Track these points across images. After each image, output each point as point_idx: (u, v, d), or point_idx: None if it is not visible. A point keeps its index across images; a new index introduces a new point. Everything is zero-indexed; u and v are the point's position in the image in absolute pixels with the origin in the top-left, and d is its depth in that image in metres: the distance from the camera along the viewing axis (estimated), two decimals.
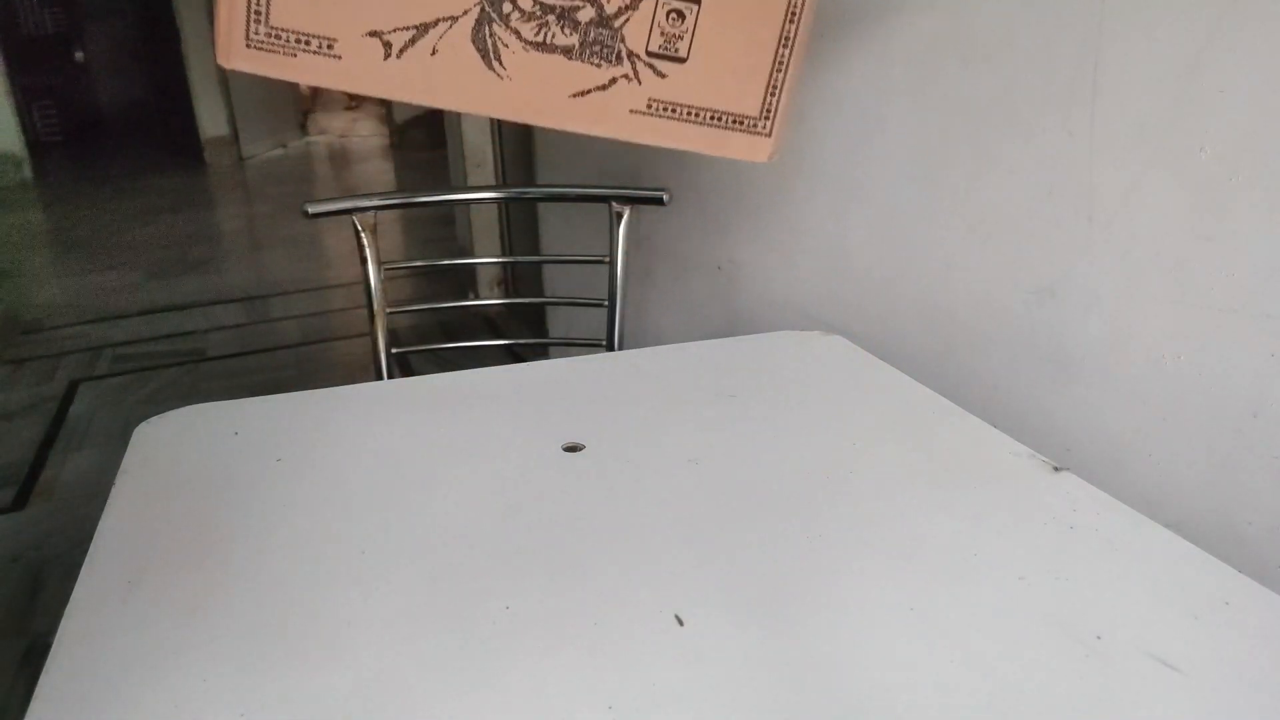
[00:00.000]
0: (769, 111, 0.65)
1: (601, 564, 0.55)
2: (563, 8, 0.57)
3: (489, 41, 0.56)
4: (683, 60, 0.61)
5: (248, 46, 0.53)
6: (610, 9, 0.58)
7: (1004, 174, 0.81)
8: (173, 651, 0.48)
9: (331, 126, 6.56)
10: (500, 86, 0.58)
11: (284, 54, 0.54)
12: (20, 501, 1.88)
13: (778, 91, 0.64)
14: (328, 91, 7.92)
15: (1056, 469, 0.65)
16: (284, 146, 5.92)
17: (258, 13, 0.53)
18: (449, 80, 0.57)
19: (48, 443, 2.12)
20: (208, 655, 0.48)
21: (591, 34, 0.58)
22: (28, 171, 5.26)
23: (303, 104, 6.72)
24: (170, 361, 2.59)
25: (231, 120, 5.85)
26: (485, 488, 0.63)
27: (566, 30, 0.57)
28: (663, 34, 0.59)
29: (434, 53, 0.56)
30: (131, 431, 0.72)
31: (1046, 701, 0.44)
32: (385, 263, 1.08)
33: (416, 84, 0.56)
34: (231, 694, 0.45)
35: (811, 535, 0.58)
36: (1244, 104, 0.61)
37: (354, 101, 7.84)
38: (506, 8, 0.56)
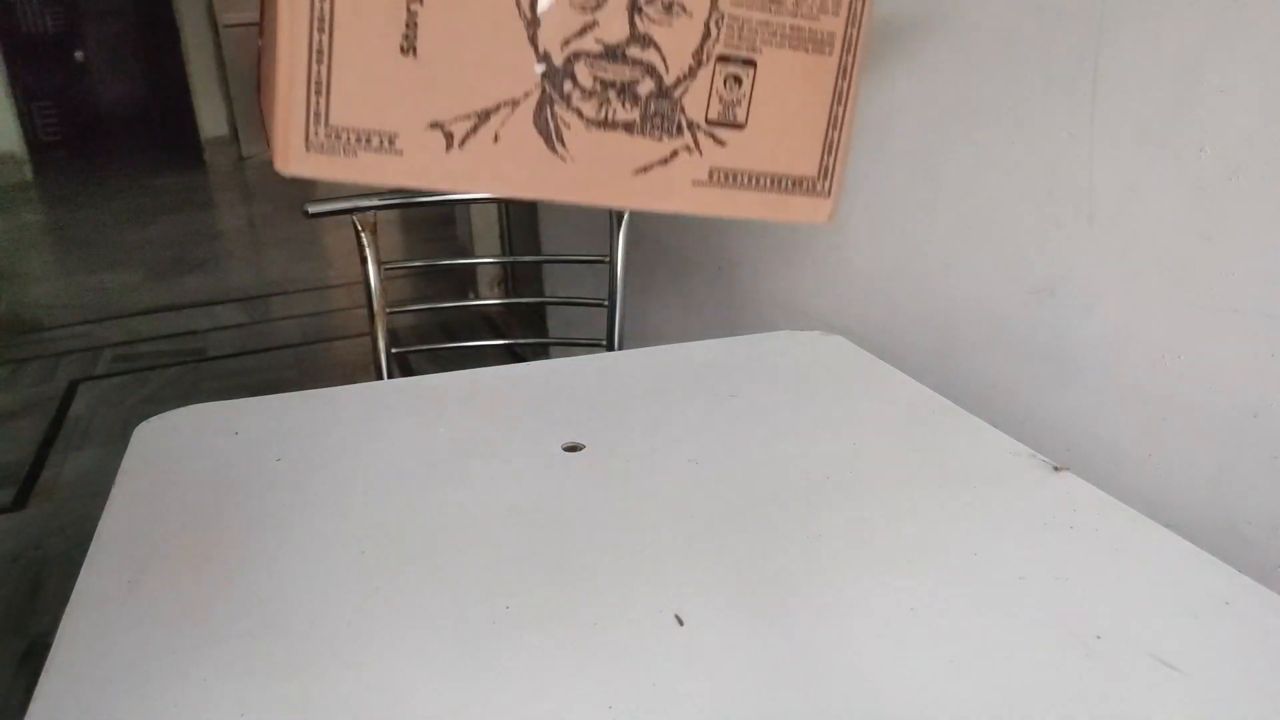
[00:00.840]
0: (827, 170, 0.63)
1: (601, 564, 0.55)
2: (623, 83, 0.55)
3: (551, 123, 0.55)
4: (741, 126, 0.59)
5: (307, 150, 0.51)
6: (669, 79, 0.56)
7: (1003, 174, 0.81)
8: (173, 651, 0.48)
9: None
10: (564, 169, 0.56)
11: (345, 154, 0.51)
12: (20, 501, 1.88)
13: (834, 150, 0.62)
14: None
15: (1056, 469, 0.65)
16: None
17: (317, 114, 0.50)
18: (512, 167, 0.55)
19: (48, 442, 2.12)
20: (208, 655, 0.48)
21: (652, 106, 0.57)
22: (28, 171, 5.27)
23: None
24: (170, 361, 2.60)
25: (231, 120, 5.85)
26: (485, 488, 0.63)
27: (627, 105, 0.56)
28: (721, 101, 0.58)
29: (496, 140, 0.54)
30: (131, 431, 0.72)
31: (1046, 701, 0.44)
32: (385, 263, 1.08)
33: (480, 173, 0.54)
34: (231, 694, 0.45)
35: (811, 535, 0.58)
36: (1244, 104, 0.61)
37: None
38: (567, 86, 0.54)
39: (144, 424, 0.73)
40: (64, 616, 0.51)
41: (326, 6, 0.48)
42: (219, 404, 0.76)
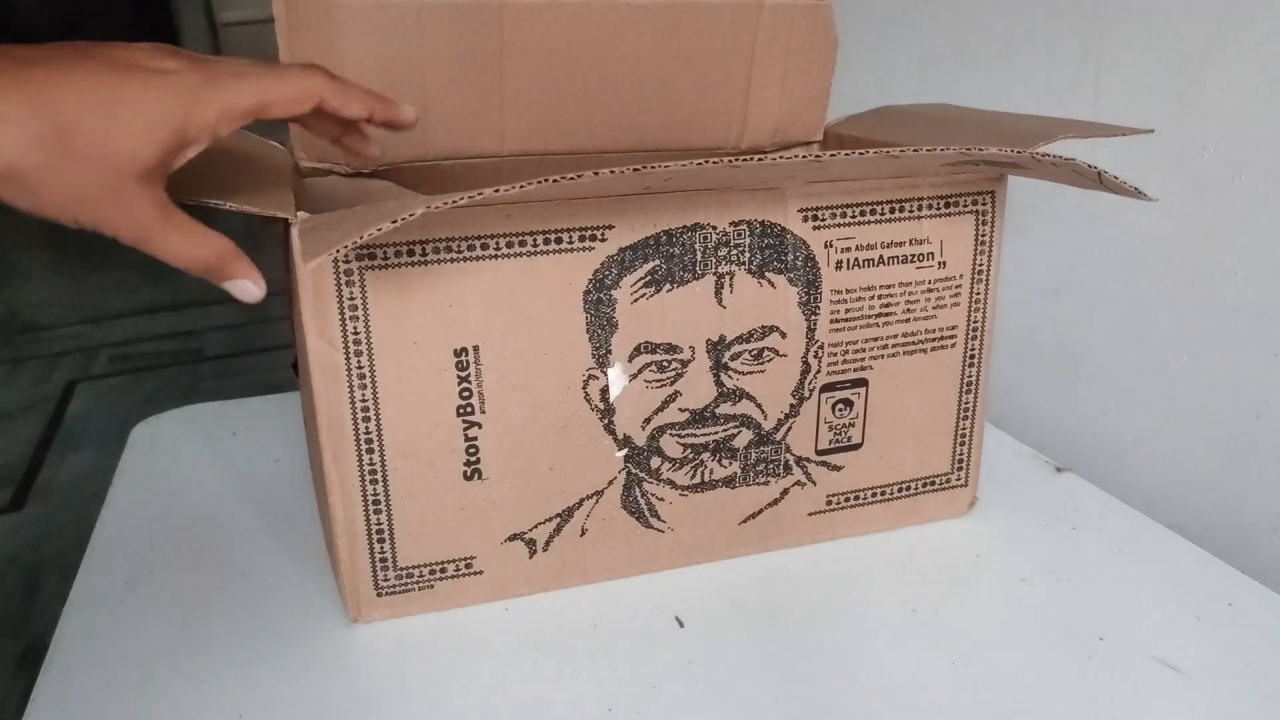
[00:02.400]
0: (962, 461, 0.58)
1: None
2: (716, 441, 0.51)
3: (642, 501, 0.51)
4: (858, 446, 0.55)
5: (379, 597, 0.48)
6: (769, 424, 0.52)
7: None
8: (170, 653, 0.48)
9: None
10: (661, 540, 0.53)
11: (420, 590, 0.49)
12: (17, 502, 1.87)
13: (968, 439, 0.58)
14: None
15: (1059, 469, 0.64)
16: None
17: (384, 561, 0.48)
18: (605, 555, 0.52)
19: (45, 443, 2.12)
20: (205, 656, 0.47)
21: (752, 455, 0.52)
22: None
23: None
24: (168, 361, 2.59)
25: None
26: None
27: (724, 461, 0.52)
28: (831, 429, 0.54)
29: (583, 533, 0.51)
30: (129, 432, 0.72)
31: (1049, 703, 0.44)
32: None
33: (569, 571, 0.51)
34: (229, 696, 0.45)
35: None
36: (1247, 103, 0.61)
37: None
38: (654, 462, 0.50)
39: (141, 424, 0.73)
40: (61, 618, 0.51)
41: (376, 459, 0.46)
42: (216, 404, 0.76)
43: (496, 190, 0.36)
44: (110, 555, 0.56)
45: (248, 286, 0.41)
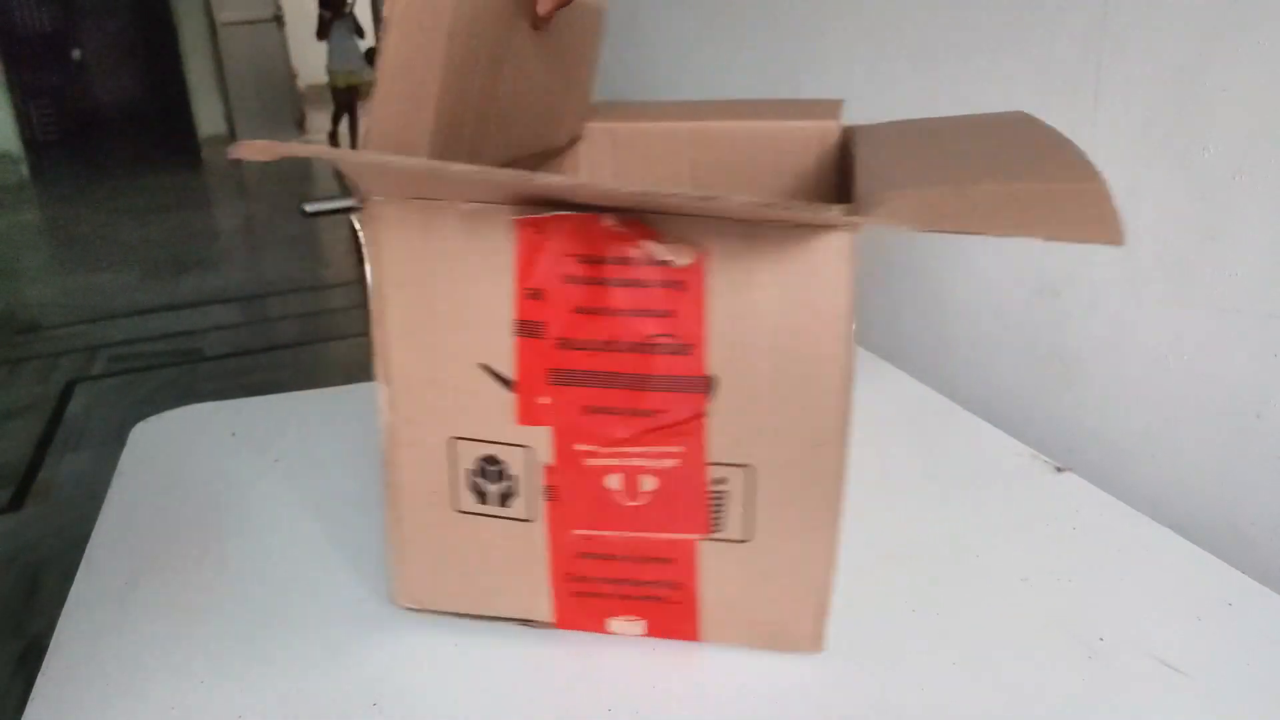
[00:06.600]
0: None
1: None
2: None
3: None
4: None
5: None
6: None
7: None
8: (170, 653, 0.48)
9: (329, 125, 6.54)
10: None
11: None
12: (17, 502, 1.87)
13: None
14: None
15: (1059, 470, 0.64)
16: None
17: None
18: None
19: (44, 443, 2.12)
20: (205, 657, 0.47)
21: None
22: (25, 170, 5.26)
23: (300, 101, 6.70)
24: (167, 361, 2.59)
25: (229, 118, 5.85)
26: None
27: None
28: None
29: None
30: (128, 432, 0.72)
31: (1049, 703, 0.44)
32: None
33: None
34: (229, 696, 0.45)
35: None
36: (1248, 102, 0.61)
37: None
38: None
39: (141, 424, 0.73)
40: (60, 618, 0.51)
41: None
42: (216, 404, 0.76)
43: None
44: (109, 555, 0.56)
45: None
